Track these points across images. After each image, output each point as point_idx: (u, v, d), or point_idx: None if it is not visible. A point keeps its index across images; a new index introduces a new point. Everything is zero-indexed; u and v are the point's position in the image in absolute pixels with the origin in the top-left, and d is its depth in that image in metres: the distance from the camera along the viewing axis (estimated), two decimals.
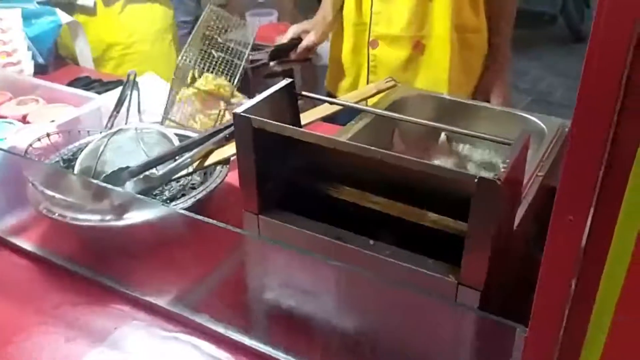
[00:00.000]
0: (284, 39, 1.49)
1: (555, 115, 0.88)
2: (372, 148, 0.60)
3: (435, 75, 1.40)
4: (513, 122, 0.89)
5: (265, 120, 0.66)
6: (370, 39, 1.40)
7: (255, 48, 3.14)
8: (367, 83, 1.45)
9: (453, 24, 1.35)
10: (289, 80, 0.75)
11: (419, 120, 0.73)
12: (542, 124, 0.86)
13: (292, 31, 1.48)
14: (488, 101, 1.46)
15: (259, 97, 0.70)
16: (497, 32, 1.40)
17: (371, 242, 0.66)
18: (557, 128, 0.84)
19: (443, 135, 0.92)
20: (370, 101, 1.03)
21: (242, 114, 0.67)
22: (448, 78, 1.38)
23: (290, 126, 0.67)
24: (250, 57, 2.81)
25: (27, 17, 1.53)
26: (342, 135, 0.82)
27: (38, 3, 1.62)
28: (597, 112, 0.38)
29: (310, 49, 1.46)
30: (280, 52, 1.49)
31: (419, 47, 1.38)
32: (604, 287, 0.45)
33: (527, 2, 4.23)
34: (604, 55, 0.37)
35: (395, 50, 1.39)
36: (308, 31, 1.46)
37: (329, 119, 0.93)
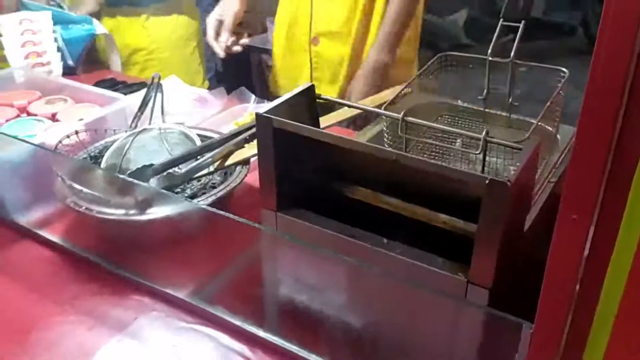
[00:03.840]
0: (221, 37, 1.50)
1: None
2: (387, 149, 0.62)
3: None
4: (528, 130, 0.90)
5: (285, 120, 0.69)
6: (312, 37, 1.47)
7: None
8: (311, 80, 1.52)
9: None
10: (310, 84, 0.78)
11: (433, 124, 0.76)
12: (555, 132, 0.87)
13: (212, 25, 1.51)
14: None
15: (280, 99, 0.73)
16: None
17: (385, 240, 0.68)
18: (570, 136, 0.86)
19: (458, 142, 0.93)
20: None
21: (263, 114, 0.70)
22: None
23: (309, 126, 0.70)
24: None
25: (66, 22, 1.62)
26: (360, 138, 0.84)
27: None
28: (602, 113, 0.40)
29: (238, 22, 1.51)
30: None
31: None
32: (608, 284, 0.47)
33: (547, 13, 4.23)
34: (609, 61, 0.39)
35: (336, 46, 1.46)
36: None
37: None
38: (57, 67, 1.53)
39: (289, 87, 1.55)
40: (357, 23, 1.44)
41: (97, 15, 1.75)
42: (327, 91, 1.48)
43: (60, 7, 1.77)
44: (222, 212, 0.74)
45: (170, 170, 0.91)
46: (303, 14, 1.49)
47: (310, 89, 0.78)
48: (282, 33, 1.57)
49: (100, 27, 1.66)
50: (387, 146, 0.74)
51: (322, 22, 1.47)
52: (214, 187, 0.93)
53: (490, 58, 0.80)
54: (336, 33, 1.46)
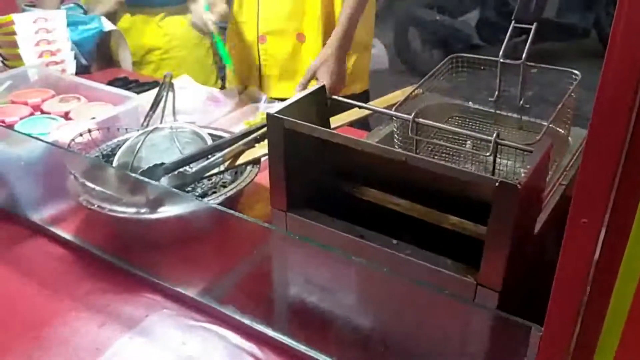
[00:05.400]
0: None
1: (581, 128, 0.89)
2: (397, 150, 0.62)
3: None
4: (539, 132, 0.90)
5: (297, 121, 0.69)
6: (260, 35, 1.52)
7: None
8: (260, 77, 1.56)
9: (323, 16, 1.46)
10: (321, 84, 0.78)
11: (443, 126, 0.76)
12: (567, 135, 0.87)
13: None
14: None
15: (291, 100, 0.74)
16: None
17: (394, 241, 0.68)
18: (581, 139, 0.85)
19: (469, 143, 0.93)
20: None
21: (274, 114, 0.70)
22: None
23: (319, 127, 0.70)
24: None
25: (75, 24, 1.64)
26: (370, 139, 0.84)
27: (83, 13, 1.72)
28: (614, 116, 0.40)
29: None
30: None
31: (300, 38, 1.50)
32: (618, 287, 0.47)
33: (560, 15, 4.19)
34: (621, 63, 0.38)
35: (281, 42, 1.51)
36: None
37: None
38: (71, 66, 1.54)
39: (243, 84, 1.59)
40: (306, 17, 1.47)
41: (114, 14, 1.76)
42: (278, 88, 1.53)
43: (80, 6, 1.79)
44: (232, 212, 0.74)
45: (181, 169, 0.92)
46: (248, 12, 1.54)
47: (321, 89, 0.79)
48: (232, 31, 1.62)
49: (108, 24, 1.67)
50: (397, 147, 0.74)
51: (267, 21, 1.51)
52: (225, 187, 0.94)
53: (501, 60, 0.80)
54: (281, 30, 1.50)
